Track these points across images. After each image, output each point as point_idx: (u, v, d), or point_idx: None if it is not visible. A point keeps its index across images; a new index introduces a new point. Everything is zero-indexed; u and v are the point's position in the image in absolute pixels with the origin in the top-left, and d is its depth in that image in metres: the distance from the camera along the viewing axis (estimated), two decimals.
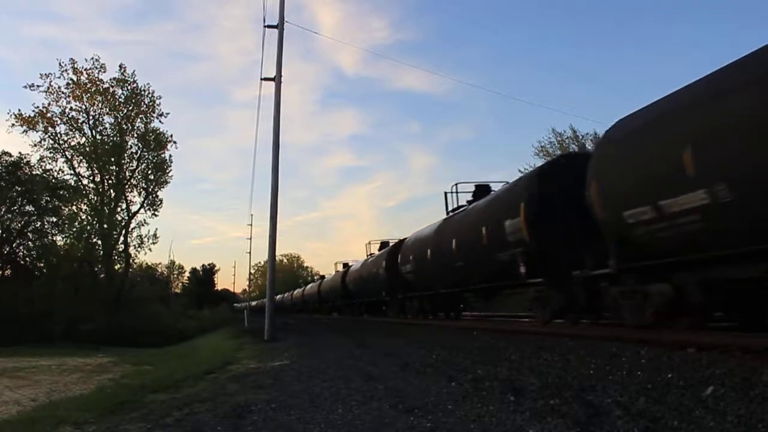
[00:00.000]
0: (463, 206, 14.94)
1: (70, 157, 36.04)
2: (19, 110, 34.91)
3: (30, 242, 29.60)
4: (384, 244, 23.87)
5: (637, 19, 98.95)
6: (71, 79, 35.90)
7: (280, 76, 15.73)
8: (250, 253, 58.16)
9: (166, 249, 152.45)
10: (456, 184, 15.30)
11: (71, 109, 36.28)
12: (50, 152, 34.93)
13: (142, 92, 38.13)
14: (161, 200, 39.96)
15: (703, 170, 5.88)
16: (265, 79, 16.04)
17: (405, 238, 20.04)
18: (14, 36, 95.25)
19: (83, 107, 36.67)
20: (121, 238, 38.18)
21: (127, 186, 38.47)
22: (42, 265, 30.14)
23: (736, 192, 5.56)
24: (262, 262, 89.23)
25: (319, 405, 4.80)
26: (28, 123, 34.60)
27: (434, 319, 16.80)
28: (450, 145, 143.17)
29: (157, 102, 38.73)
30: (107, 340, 26.02)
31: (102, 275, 37.31)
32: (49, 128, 35.31)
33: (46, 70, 40.17)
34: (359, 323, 21.54)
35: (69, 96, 36.02)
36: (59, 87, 35.64)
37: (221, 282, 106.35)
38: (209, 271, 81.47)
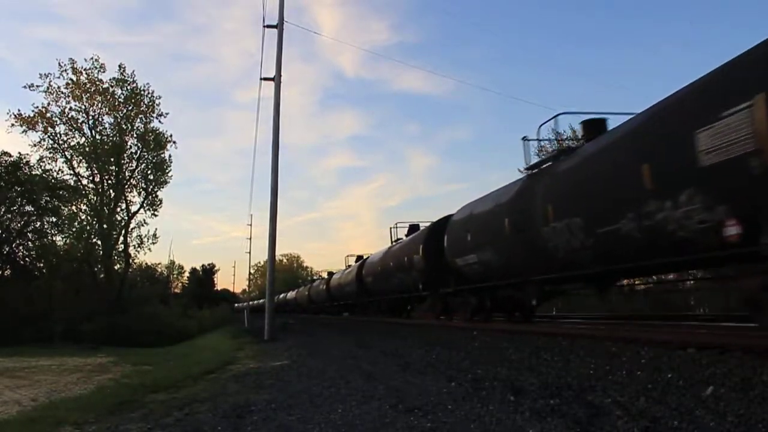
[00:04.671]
0: (400, 239, 21.63)
1: (69, 157, 36.07)
2: (19, 110, 34.97)
3: (30, 242, 29.63)
4: (359, 258, 29.59)
5: (637, 18, 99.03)
6: (71, 79, 35.93)
7: (280, 76, 15.73)
8: (249, 253, 58.23)
9: (166, 249, 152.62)
10: (396, 223, 23.06)
11: (71, 109, 36.32)
12: (50, 152, 34.97)
13: (142, 92, 38.16)
14: (161, 200, 40.02)
15: (475, 245, 12.43)
16: (265, 78, 16.06)
17: (369, 256, 26.46)
18: (16, 37, 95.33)
19: (83, 107, 36.71)
20: (121, 238, 38.21)
21: (126, 186, 38.48)
22: (42, 265, 30.13)
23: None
24: (262, 262, 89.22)
25: (320, 405, 4.80)
26: (27, 123, 34.60)
27: (391, 316, 21.81)
28: (450, 145, 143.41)
29: (157, 102, 38.78)
30: (107, 340, 26.03)
31: (102, 275, 37.29)
32: (49, 128, 35.34)
33: (47, 71, 39.87)
34: (358, 323, 21.57)
35: (68, 96, 36.05)
36: (59, 87, 35.69)
37: (221, 282, 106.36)
38: (209, 271, 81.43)
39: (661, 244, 6.88)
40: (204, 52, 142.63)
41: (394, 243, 21.79)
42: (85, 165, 36.87)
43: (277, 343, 13.41)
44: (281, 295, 59.72)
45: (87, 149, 36.43)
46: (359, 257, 29.00)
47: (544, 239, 9.39)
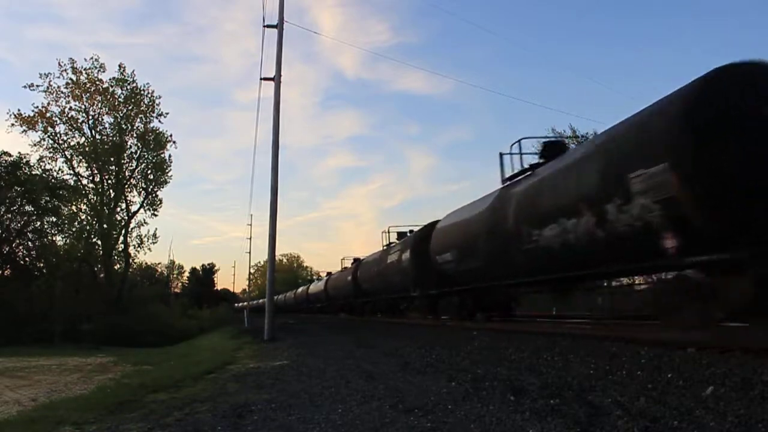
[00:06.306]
0: (392, 242, 22.09)
1: (69, 157, 36.08)
2: (19, 110, 34.95)
3: (30, 242, 29.58)
4: (355, 260, 33.21)
5: (637, 17, 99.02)
6: (71, 79, 35.92)
7: (280, 75, 15.72)
8: (249, 253, 58.18)
9: (166, 249, 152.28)
10: (389, 228, 23.21)
11: (71, 108, 36.30)
12: (50, 152, 34.97)
13: (142, 92, 38.16)
14: (161, 200, 40.05)
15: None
16: (265, 78, 16.04)
17: (364, 258, 28.30)
18: (16, 38, 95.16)
19: (83, 107, 36.70)
20: (121, 238, 38.22)
21: (126, 186, 38.50)
22: (42, 265, 30.09)
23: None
24: (262, 262, 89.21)
25: (320, 405, 4.80)
26: (27, 123, 34.58)
27: (388, 316, 23.83)
28: (450, 145, 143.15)
29: (157, 102, 38.78)
30: (107, 340, 26.01)
31: (102, 275, 37.29)
32: (49, 128, 35.32)
33: (48, 71, 39.92)
34: (357, 323, 21.61)
35: (68, 96, 36.03)
36: (58, 87, 35.67)
37: (221, 282, 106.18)
38: (209, 271, 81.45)
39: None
40: (204, 53, 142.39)
41: (386, 246, 22.58)
42: (85, 165, 36.94)
43: (277, 343, 13.39)
44: (281, 295, 59.90)
45: (87, 149, 36.43)
46: (356, 259, 29.96)
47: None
